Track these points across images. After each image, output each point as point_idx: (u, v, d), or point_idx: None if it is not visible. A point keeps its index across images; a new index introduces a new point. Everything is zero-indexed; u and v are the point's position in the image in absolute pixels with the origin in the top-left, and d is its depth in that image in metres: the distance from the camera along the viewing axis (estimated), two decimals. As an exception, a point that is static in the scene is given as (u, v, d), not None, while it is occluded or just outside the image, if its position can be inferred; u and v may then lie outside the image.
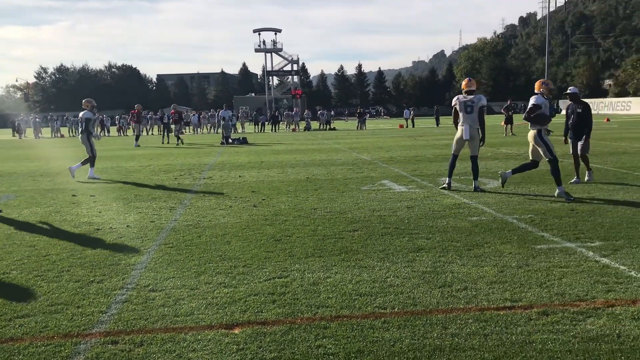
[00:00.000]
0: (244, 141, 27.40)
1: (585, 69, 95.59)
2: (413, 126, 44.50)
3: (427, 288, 4.66)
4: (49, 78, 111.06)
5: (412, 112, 47.03)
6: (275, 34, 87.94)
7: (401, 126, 45.21)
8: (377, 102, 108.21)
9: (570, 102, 10.83)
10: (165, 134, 30.19)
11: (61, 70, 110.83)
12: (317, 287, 4.77)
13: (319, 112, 48.42)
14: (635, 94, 79.16)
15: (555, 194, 8.87)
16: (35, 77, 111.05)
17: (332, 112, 60.60)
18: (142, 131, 28.86)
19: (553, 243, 6.02)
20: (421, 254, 5.70)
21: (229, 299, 4.53)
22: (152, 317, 4.17)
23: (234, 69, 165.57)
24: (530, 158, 9.38)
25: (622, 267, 5.09)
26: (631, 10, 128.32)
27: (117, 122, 47.45)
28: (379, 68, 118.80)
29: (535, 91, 9.34)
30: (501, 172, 9.86)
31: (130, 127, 43.09)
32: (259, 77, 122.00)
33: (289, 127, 46.93)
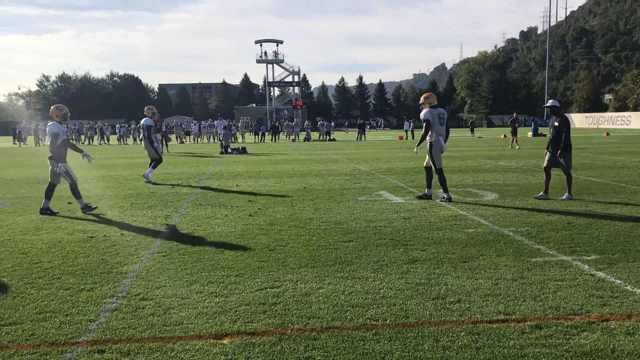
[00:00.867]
0: (243, 151, 27.41)
1: (586, 84, 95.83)
2: (413, 138, 44.50)
3: (420, 300, 4.61)
4: (51, 86, 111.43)
5: (412, 124, 47.07)
6: (277, 45, 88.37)
7: (401, 138, 45.24)
8: (378, 113, 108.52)
9: (552, 116, 10.48)
10: (164, 143, 30.20)
11: (63, 78, 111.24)
12: (309, 297, 4.72)
13: (319, 123, 48.46)
14: (635, 109, 79.37)
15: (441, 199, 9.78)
16: (37, 85, 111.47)
17: (333, 123, 60.73)
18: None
19: (549, 256, 5.97)
20: (416, 266, 5.65)
21: (220, 308, 4.48)
22: (140, 326, 4.12)
23: (235, 80, 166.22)
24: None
25: (617, 281, 5.04)
26: (632, 26, 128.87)
27: (117, 131, 47.47)
28: (380, 80, 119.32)
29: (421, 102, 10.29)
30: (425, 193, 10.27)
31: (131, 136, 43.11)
32: (260, 87, 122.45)
33: (289, 138, 46.97)
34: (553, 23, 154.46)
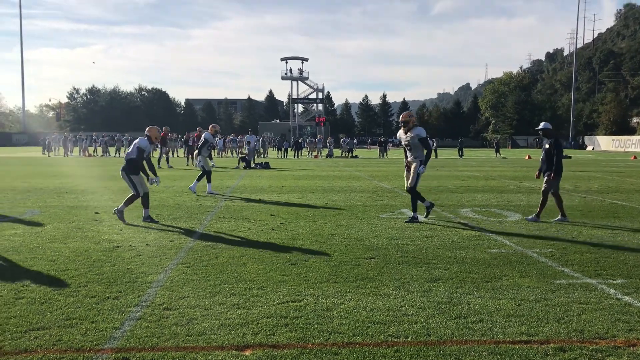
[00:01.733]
0: (266, 166, 27.59)
1: (613, 106, 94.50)
2: (436, 157, 44.34)
3: (442, 319, 4.60)
4: (80, 98, 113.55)
5: (435, 143, 46.93)
6: (302, 62, 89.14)
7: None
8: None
9: (544, 138, 10.35)
10: (189, 156, 30.56)
11: (93, 91, 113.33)
12: (330, 312, 4.74)
13: (341, 139, 48.59)
14: (663, 133, 77.97)
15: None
16: (67, 97, 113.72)
17: (355, 141, 60.82)
18: (168, 153, 29.29)
19: (573, 278, 5.90)
20: (438, 284, 5.63)
21: (242, 320, 4.52)
22: (164, 336, 4.18)
23: (260, 96, 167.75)
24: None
25: (644, 306, 4.96)
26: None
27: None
28: (404, 98, 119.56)
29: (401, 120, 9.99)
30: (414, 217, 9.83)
31: (157, 149, 43.69)
32: (284, 104, 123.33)
33: (312, 154, 47.16)
34: (580, 45, 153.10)
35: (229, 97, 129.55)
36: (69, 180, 18.89)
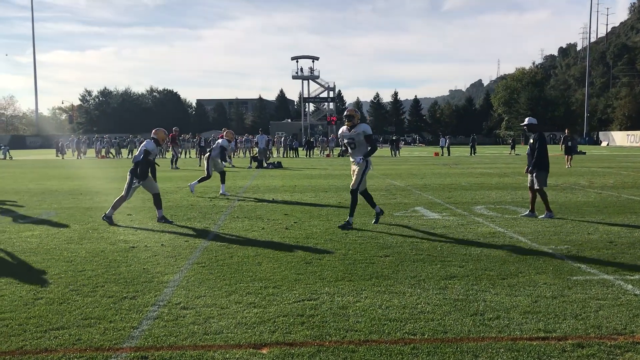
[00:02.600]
0: (278, 165, 27.65)
1: (628, 101, 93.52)
2: (449, 154, 44.21)
3: (459, 316, 4.59)
4: (93, 101, 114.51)
5: (447, 141, 46.79)
6: (313, 61, 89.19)
7: (436, 154, 44.95)
8: (413, 129, 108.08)
9: (530, 133, 10.28)
10: (202, 157, 30.72)
11: (105, 93, 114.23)
12: (346, 310, 4.74)
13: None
14: (679, 127, 77.06)
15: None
16: (80, 99, 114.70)
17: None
18: (179, 154, 29.49)
19: (590, 275, 5.86)
20: (453, 282, 5.62)
21: (259, 319, 4.55)
22: (182, 334, 4.21)
23: (271, 95, 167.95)
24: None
25: (662, 302, 4.91)
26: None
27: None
28: (415, 96, 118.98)
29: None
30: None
31: (169, 150, 43.99)
32: (295, 103, 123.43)
33: (324, 153, 47.16)
34: (593, 39, 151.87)
35: (239, 97, 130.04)
36: (83, 182, 19.06)
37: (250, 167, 27.55)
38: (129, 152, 48.07)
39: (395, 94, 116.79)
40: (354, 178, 9.01)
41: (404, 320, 4.50)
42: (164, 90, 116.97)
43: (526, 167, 10.18)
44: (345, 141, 9.16)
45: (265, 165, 27.88)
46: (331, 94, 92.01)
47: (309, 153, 44.97)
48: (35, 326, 4.41)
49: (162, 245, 7.64)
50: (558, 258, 6.63)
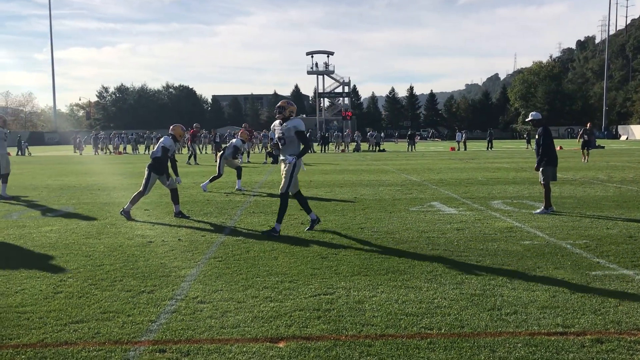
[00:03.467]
0: (294, 161, 27.66)
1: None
2: (465, 149, 43.94)
3: (476, 310, 4.56)
4: (109, 97, 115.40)
5: (464, 135, 46.48)
6: (328, 56, 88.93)
7: (452, 149, 44.69)
8: (429, 124, 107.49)
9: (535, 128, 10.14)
10: (218, 153, 30.86)
11: (121, 89, 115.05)
12: (362, 305, 4.75)
13: (368, 133, 48.42)
14: (701, 120, 75.73)
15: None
16: (97, 96, 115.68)
17: (382, 134, 60.55)
18: (197, 150, 29.67)
19: (609, 270, 5.80)
20: (470, 277, 5.59)
21: (275, 313, 4.56)
22: (199, 328, 4.24)
23: (286, 91, 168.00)
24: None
25: (683, 297, 4.84)
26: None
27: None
28: (431, 90, 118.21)
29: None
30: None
31: (186, 145, 44.25)
32: (310, 98, 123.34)
33: (339, 148, 47.12)
34: (612, 32, 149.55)
35: (255, 93, 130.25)
36: (100, 177, 19.25)
37: (265, 163, 27.62)
38: (145, 148, 48.44)
39: (411, 88, 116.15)
40: (282, 180, 8.14)
41: (420, 314, 4.49)
42: (180, 86, 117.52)
43: (535, 164, 10.06)
44: (276, 136, 8.24)
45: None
46: (346, 89, 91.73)
47: (324, 148, 44.95)
48: (55, 319, 4.47)
49: (179, 240, 7.70)
50: (576, 253, 6.57)
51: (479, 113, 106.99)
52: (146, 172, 9.78)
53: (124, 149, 48.96)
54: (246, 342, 3.97)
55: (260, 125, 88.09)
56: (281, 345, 3.91)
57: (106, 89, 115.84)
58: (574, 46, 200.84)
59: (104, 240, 7.76)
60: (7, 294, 5.19)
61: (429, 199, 11.94)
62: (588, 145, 25.25)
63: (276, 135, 8.26)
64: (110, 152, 47.00)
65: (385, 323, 4.31)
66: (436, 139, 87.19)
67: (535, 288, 5.17)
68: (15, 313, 4.63)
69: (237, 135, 15.63)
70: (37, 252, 6.99)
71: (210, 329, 4.22)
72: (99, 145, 46.75)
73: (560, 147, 41.60)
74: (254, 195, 13.01)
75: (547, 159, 9.76)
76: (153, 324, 4.36)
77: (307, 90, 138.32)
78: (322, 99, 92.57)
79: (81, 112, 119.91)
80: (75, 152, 47.34)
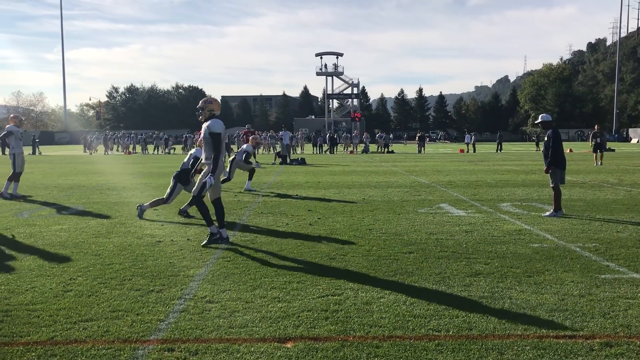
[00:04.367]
0: (302, 162, 27.71)
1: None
2: (474, 151, 43.78)
3: (484, 313, 4.55)
4: (119, 97, 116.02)
5: (473, 137, 46.31)
6: (337, 57, 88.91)
7: (462, 151, 44.54)
8: (438, 126, 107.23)
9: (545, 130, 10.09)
10: (227, 153, 31.00)
11: (131, 90, 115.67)
12: (370, 306, 4.75)
13: (377, 135, 48.34)
14: None
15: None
16: (107, 96, 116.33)
17: (391, 136, 60.43)
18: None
19: (619, 273, 5.77)
20: (478, 279, 5.58)
21: (283, 313, 4.57)
22: (207, 328, 4.26)
23: (295, 92, 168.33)
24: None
25: (694, 302, 4.81)
26: None
27: (183, 141, 48.98)
28: (440, 92, 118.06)
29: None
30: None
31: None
32: (319, 99, 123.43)
33: (347, 149, 47.09)
34: (624, 34, 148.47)
35: (264, 94, 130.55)
36: (110, 177, 19.36)
37: (274, 164, 27.66)
38: (154, 148, 48.65)
39: (420, 90, 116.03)
40: (197, 182, 7.67)
41: (428, 316, 4.48)
42: (189, 86, 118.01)
43: (545, 167, 10.01)
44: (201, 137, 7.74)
45: (289, 161, 27.96)
46: (355, 90, 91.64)
47: (333, 149, 44.94)
48: (65, 317, 4.50)
49: (188, 239, 7.73)
50: (586, 256, 6.54)
51: (489, 115, 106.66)
52: (172, 182, 9.80)
53: (134, 148, 49.18)
54: (254, 342, 3.98)
55: (269, 126, 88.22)
56: (289, 345, 3.92)
57: (116, 89, 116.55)
58: (584, 48, 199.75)
59: (114, 239, 7.80)
60: (18, 291, 5.24)
61: (438, 200, 11.91)
62: (600, 147, 24.90)
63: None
64: (118, 151, 47.21)
65: (393, 324, 4.31)
66: (445, 141, 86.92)
67: (544, 291, 5.15)
68: (25, 311, 4.67)
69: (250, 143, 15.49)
70: (47, 251, 7.04)
71: (218, 329, 4.24)
72: (109, 145, 46.98)
73: (570, 150, 41.38)
74: (263, 196, 13.04)
75: (556, 162, 9.71)
76: (162, 323, 4.38)
77: (316, 91, 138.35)
78: (331, 100, 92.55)
79: (91, 112, 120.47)
80: (85, 151, 47.62)
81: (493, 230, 8.23)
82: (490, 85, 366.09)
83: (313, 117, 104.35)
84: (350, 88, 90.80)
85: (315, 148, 46.07)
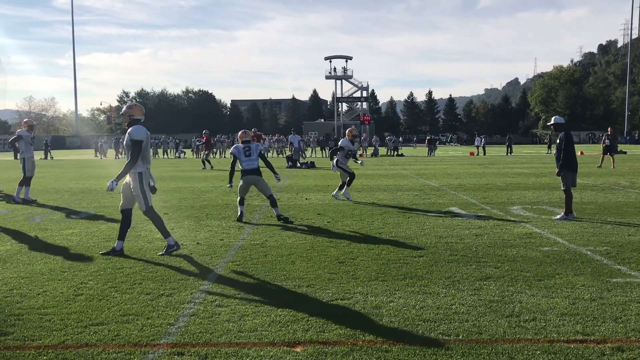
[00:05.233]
0: (311, 165, 27.72)
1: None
2: (484, 154, 43.60)
3: (494, 317, 4.53)
4: (130, 102, 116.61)
5: (483, 140, 46.13)
6: (346, 61, 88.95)
7: (472, 154, 44.38)
8: (447, 129, 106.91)
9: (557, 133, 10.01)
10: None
11: (142, 94, 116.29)
12: (379, 310, 4.74)
13: (387, 138, 48.24)
14: None
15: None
16: (117, 100, 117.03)
17: (401, 139, 60.33)
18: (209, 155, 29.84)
19: (631, 277, 5.72)
20: (488, 283, 5.55)
21: (292, 317, 4.58)
22: (217, 332, 4.28)
23: (304, 96, 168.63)
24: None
25: None
26: None
27: (192, 145, 49.19)
28: (450, 95, 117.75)
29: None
30: None
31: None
32: (328, 103, 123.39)
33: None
34: (635, 36, 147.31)
35: (273, 98, 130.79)
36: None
37: (290, 167, 27.56)
38: (163, 153, 48.87)
39: (430, 93, 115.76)
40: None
41: (438, 320, 4.47)
42: (200, 91, 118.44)
43: (557, 169, 9.93)
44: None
45: (299, 165, 27.98)
46: (364, 94, 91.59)
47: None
48: (75, 321, 4.53)
49: (197, 243, 7.76)
50: (597, 260, 6.49)
51: (499, 118, 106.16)
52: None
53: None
54: (263, 346, 3.99)
55: (279, 130, 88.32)
56: (298, 349, 3.92)
57: (127, 94, 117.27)
58: (595, 50, 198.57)
59: (124, 243, 7.82)
60: (29, 295, 5.28)
61: (448, 204, 11.88)
62: (610, 150, 24.64)
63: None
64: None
65: (402, 329, 4.30)
66: (455, 144, 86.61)
67: (555, 295, 5.12)
68: (37, 315, 4.71)
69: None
70: (58, 255, 7.09)
71: (228, 333, 4.25)
72: (120, 149, 47.22)
73: (582, 153, 41.09)
74: (272, 200, 13.03)
75: (568, 164, 9.65)
76: (172, 327, 4.40)
77: (326, 94, 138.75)
78: (340, 103, 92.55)
79: (102, 117, 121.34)
80: (96, 155, 47.91)
81: (503, 234, 8.20)
82: (500, 88, 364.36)
83: (322, 120, 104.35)
84: (359, 91, 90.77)
85: (324, 151, 46.07)
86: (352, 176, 12.98)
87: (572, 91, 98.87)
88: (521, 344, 3.96)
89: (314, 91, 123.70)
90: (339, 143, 13.31)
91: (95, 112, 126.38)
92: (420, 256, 6.77)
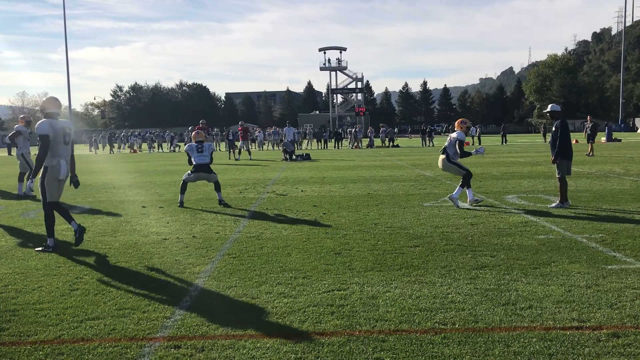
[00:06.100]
0: (307, 157, 27.69)
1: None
2: (479, 143, 43.62)
3: (490, 305, 4.54)
4: (124, 96, 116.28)
5: (478, 130, 46.14)
6: (340, 52, 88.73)
7: (467, 143, 44.30)
8: (442, 119, 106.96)
9: (553, 120, 10.01)
10: (232, 150, 30.99)
11: (135, 88, 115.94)
12: (376, 300, 4.74)
13: (381, 129, 48.21)
14: None
15: None
16: (111, 95, 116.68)
17: (396, 130, 60.27)
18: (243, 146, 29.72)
19: (626, 264, 5.74)
20: (484, 272, 5.56)
21: (289, 309, 4.58)
22: (213, 324, 4.27)
23: (299, 88, 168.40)
24: None
25: (702, 291, 4.78)
26: None
27: (185, 139, 49.09)
28: (445, 85, 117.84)
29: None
30: None
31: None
32: (323, 95, 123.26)
33: (352, 144, 47.02)
34: (629, 23, 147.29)
35: (268, 90, 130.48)
36: (115, 175, 19.41)
37: (286, 160, 27.53)
38: (158, 146, 48.72)
39: (424, 83, 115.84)
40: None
41: (434, 310, 4.47)
42: (194, 84, 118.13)
43: (552, 157, 9.93)
44: None
45: (294, 157, 27.95)
46: (359, 85, 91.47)
47: (338, 144, 44.90)
48: (71, 316, 4.52)
49: (193, 237, 7.74)
50: (592, 247, 6.51)
51: (494, 107, 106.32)
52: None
53: (139, 147, 49.30)
54: (260, 338, 3.98)
55: (274, 122, 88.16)
56: (295, 340, 3.92)
57: (120, 88, 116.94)
58: (589, 38, 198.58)
59: (120, 237, 7.83)
60: (25, 291, 5.26)
61: (443, 194, 11.89)
62: (589, 138, 25.56)
63: None
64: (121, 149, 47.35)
65: (399, 318, 4.30)
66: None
67: (550, 282, 5.13)
68: (32, 310, 4.69)
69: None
70: (53, 250, 7.06)
71: (224, 325, 4.24)
72: (114, 144, 47.14)
73: (576, 141, 41.16)
74: (268, 192, 13.04)
75: (563, 152, 9.66)
76: (168, 320, 4.39)
77: (320, 86, 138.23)
78: (335, 95, 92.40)
79: (96, 112, 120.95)
80: (90, 150, 47.76)
81: (499, 223, 8.21)
82: (495, 78, 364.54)
83: (317, 112, 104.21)
84: (354, 82, 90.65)
85: (319, 143, 46.04)
86: (468, 174, 10.75)
87: (567, 80, 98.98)
88: (517, 332, 3.97)
89: (309, 83, 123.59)
90: (455, 135, 11.06)
91: (89, 107, 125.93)
92: (416, 246, 6.78)
